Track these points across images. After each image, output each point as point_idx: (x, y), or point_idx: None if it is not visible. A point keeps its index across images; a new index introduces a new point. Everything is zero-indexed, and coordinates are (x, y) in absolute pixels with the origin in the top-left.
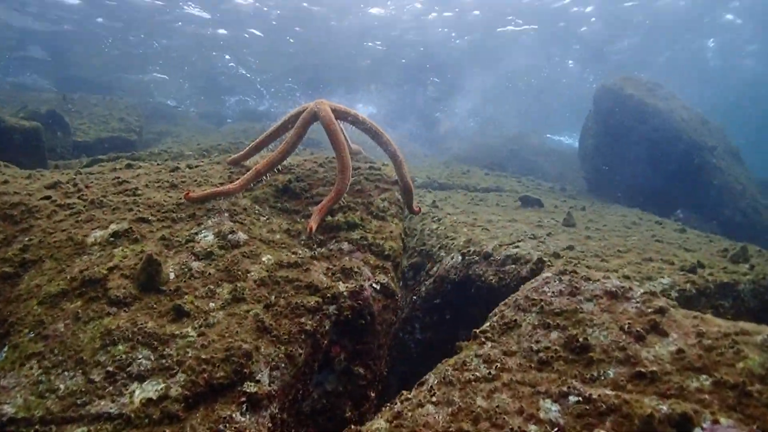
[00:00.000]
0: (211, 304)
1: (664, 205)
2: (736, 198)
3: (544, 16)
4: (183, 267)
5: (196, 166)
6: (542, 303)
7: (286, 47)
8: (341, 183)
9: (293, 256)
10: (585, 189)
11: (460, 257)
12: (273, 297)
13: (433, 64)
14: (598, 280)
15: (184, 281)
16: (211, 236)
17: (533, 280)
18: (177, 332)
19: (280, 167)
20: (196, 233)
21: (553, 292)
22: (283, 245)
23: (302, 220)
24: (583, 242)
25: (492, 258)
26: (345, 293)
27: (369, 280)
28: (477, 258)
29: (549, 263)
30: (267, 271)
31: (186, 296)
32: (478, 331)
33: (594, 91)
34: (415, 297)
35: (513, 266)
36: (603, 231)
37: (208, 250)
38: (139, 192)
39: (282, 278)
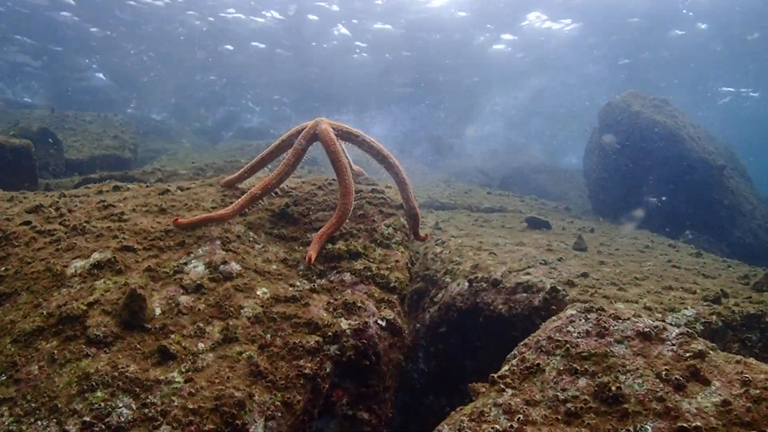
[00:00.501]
0: (201, 345)
1: (673, 225)
2: (746, 219)
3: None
4: (170, 302)
5: (188, 188)
6: (567, 345)
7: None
8: (343, 208)
9: (291, 289)
10: (590, 209)
11: (466, 284)
12: (269, 336)
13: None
14: (629, 318)
15: (172, 318)
16: (201, 267)
17: (555, 318)
18: (162, 377)
19: (277, 190)
20: (185, 263)
21: (579, 333)
22: (279, 277)
23: (301, 248)
24: (597, 268)
25: (501, 285)
26: (348, 331)
27: (374, 315)
28: (485, 285)
29: (563, 292)
30: (262, 306)
31: (173, 335)
32: (496, 376)
33: (600, 108)
34: (418, 325)
35: (524, 295)
36: (616, 255)
37: (198, 282)
38: (125, 217)
39: (278, 315)
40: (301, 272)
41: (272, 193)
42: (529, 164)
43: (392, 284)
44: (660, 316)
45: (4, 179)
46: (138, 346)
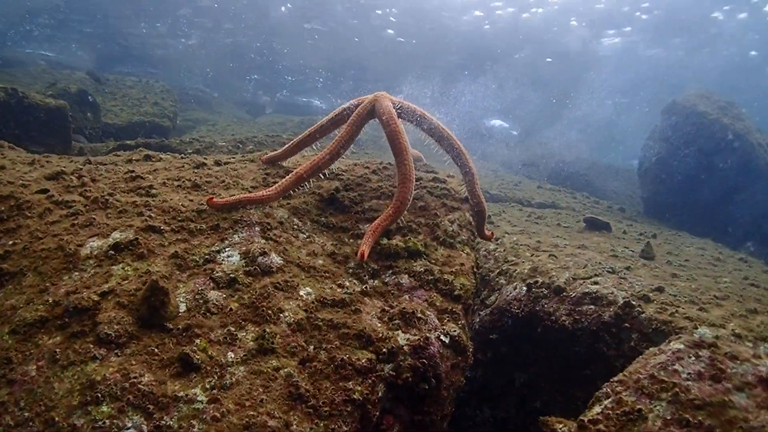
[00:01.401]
0: (230, 355)
1: (732, 235)
2: None
3: None
4: (198, 297)
5: (226, 163)
6: (676, 388)
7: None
8: (402, 196)
9: (339, 290)
10: (642, 210)
11: (524, 288)
12: (311, 348)
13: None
14: (748, 360)
15: (198, 317)
16: (236, 257)
17: (657, 352)
18: (181, 394)
19: (326, 172)
20: (218, 252)
21: (689, 374)
22: (326, 274)
23: (351, 241)
24: (671, 282)
25: (565, 294)
26: (406, 348)
27: (436, 330)
28: (546, 292)
29: (639, 308)
30: (305, 310)
31: (198, 340)
32: (586, 420)
33: (663, 106)
34: None
35: (592, 307)
36: (688, 268)
37: (232, 276)
38: (154, 191)
39: (324, 322)
40: (351, 270)
41: (320, 176)
42: (581, 159)
43: (456, 292)
44: (751, 345)
45: (37, 140)
46: (156, 350)
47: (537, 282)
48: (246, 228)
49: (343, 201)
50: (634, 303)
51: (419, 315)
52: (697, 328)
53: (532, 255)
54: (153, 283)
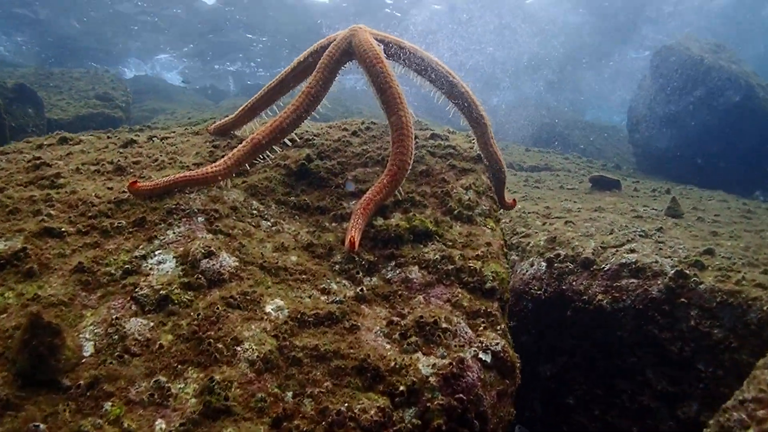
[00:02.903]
0: (160, 427)
1: (738, 184)
2: None
3: None
4: (112, 331)
5: (163, 139)
6: None
7: None
8: (399, 159)
9: (324, 298)
10: (634, 166)
11: (544, 264)
12: (289, 397)
13: None
14: None
15: (111, 364)
16: (170, 263)
17: None
18: None
19: (292, 136)
20: (144, 257)
21: None
22: (303, 276)
23: (333, 225)
24: (714, 242)
25: (596, 267)
26: (432, 380)
27: (470, 344)
28: (571, 266)
29: (695, 278)
30: (276, 336)
31: (108, 404)
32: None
33: (652, 52)
34: None
35: (634, 281)
36: (723, 224)
37: (163, 292)
38: (61, 181)
39: (306, 352)
40: (338, 267)
41: (285, 142)
42: (563, 119)
43: (489, 284)
44: None
45: None
46: (42, 428)
47: (559, 255)
48: (184, 220)
49: (317, 173)
50: (688, 272)
51: (444, 325)
52: None
53: (545, 224)
54: (34, 318)
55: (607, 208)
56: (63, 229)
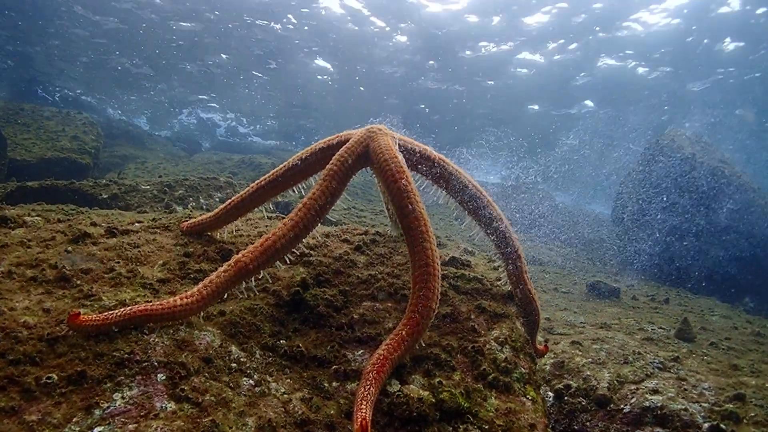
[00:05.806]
0: None
1: (727, 289)
2: None
3: None
4: None
5: (125, 233)
6: None
7: None
8: (424, 304)
9: None
10: (616, 260)
11: (552, 395)
12: None
13: None
14: None
15: None
16: None
17: None
18: None
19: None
20: None
21: None
22: None
23: (335, 386)
24: (737, 378)
25: (613, 407)
26: None
27: None
28: (584, 402)
29: None
30: None
31: None
32: None
33: (643, 147)
34: None
35: (660, 430)
36: (737, 351)
37: None
38: None
39: None
40: None
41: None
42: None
43: None
44: None
45: None
46: None
47: (569, 387)
48: (138, 378)
49: (315, 306)
50: (724, 427)
51: None
52: None
53: (548, 340)
54: None
55: (612, 325)
56: None
